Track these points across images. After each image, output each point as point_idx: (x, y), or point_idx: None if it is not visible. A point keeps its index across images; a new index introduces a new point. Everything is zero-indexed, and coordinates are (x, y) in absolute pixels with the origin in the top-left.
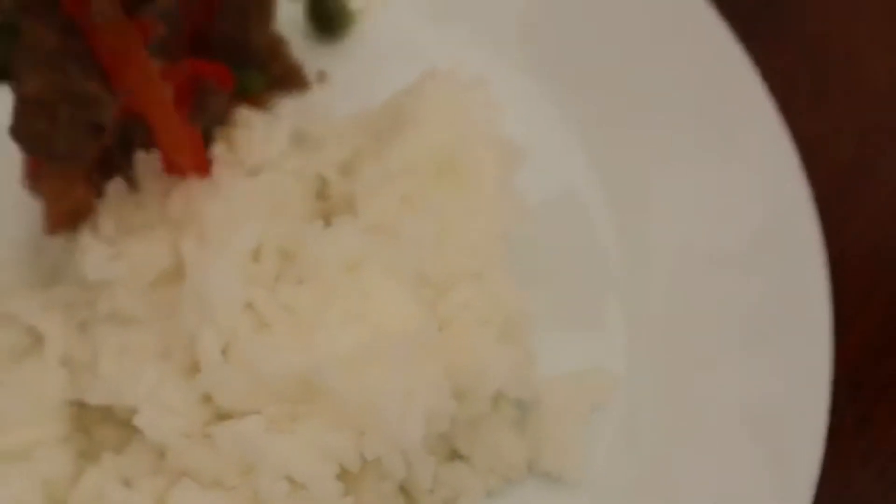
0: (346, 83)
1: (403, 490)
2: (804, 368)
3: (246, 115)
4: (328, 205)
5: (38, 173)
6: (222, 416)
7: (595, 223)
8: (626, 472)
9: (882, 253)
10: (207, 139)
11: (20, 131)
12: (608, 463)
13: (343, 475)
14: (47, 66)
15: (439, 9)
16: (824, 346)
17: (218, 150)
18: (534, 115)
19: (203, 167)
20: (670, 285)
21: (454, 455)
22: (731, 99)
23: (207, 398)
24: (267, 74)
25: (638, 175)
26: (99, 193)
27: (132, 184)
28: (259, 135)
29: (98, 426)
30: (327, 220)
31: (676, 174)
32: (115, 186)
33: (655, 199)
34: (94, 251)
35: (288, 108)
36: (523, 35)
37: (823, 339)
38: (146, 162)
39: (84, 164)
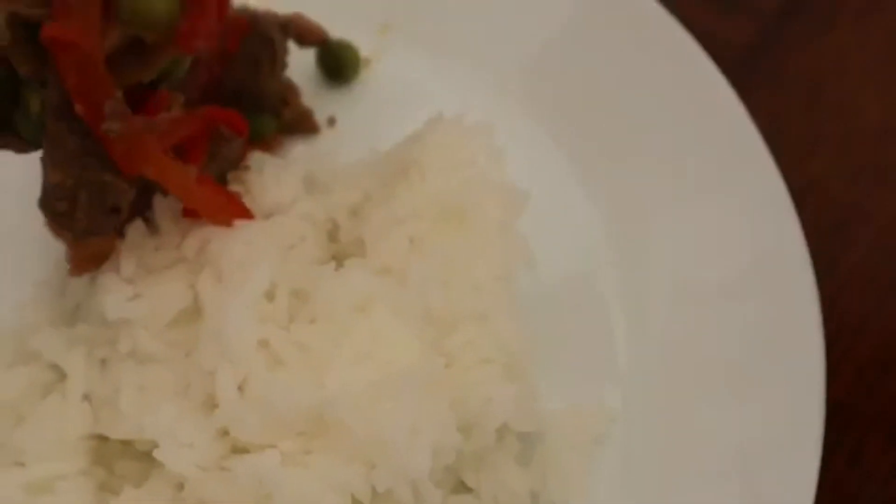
0: (354, 128)
1: None
2: (798, 405)
3: (259, 160)
4: (339, 247)
5: None
6: (238, 449)
7: (595, 262)
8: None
9: (873, 289)
10: (221, 182)
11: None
12: (609, 495)
13: None
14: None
15: (444, 55)
16: (817, 383)
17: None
18: (536, 157)
19: (224, 217)
20: (667, 322)
21: (461, 487)
22: (727, 142)
23: (224, 432)
24: (278, 120)
25: (637, 215)
26: (120, 235)
27: (151, 226)
28: (272, 179)
29: (117, 460)
30: (338, 261)
31: (674, 214)
32: (135, 228)
33: (654, 239)
34: (114, 292)
35: (299, 152)
36: (527, 80)
37: (817, 377)
38: (164, 205)
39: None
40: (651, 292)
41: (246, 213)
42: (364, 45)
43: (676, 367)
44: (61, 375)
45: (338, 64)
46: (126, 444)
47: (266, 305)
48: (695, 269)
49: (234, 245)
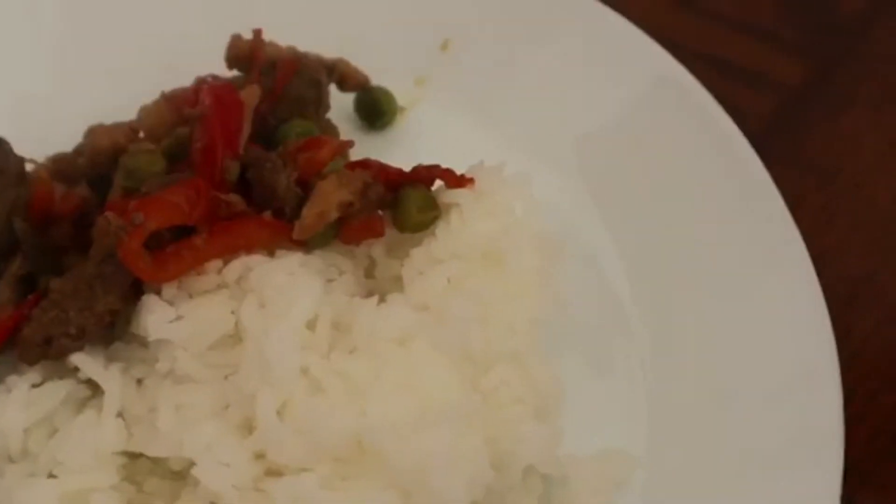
0: None
1: None
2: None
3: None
4: (375, 283)
5: None
6: (273, 473)
7: (624, 314)
8: None
9: (887, 358)
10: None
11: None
12: None
13: None
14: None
15: (477, 112)
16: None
17: None
18: (570, 214)
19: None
20: (694, 376)
21: None
22: (767, 243)
23: (261, 455)
24: None
25: (663, 270)
26: None
27: None
28: None
29: (147, 478)
30: (379, 297)
31: (704, 287)
32: None
33: (680, 298)
34: (156, 312)
35: None
36: (562, 140)
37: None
38: None
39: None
40: (678, 347)
41: (290, 238)
42: (399, 94)
43: (698, 420)
44: (96, 391)
45: (376, 109)
46: (157, 462)
47: (307, 334)
48: (715, 340)
49: (276, 274)
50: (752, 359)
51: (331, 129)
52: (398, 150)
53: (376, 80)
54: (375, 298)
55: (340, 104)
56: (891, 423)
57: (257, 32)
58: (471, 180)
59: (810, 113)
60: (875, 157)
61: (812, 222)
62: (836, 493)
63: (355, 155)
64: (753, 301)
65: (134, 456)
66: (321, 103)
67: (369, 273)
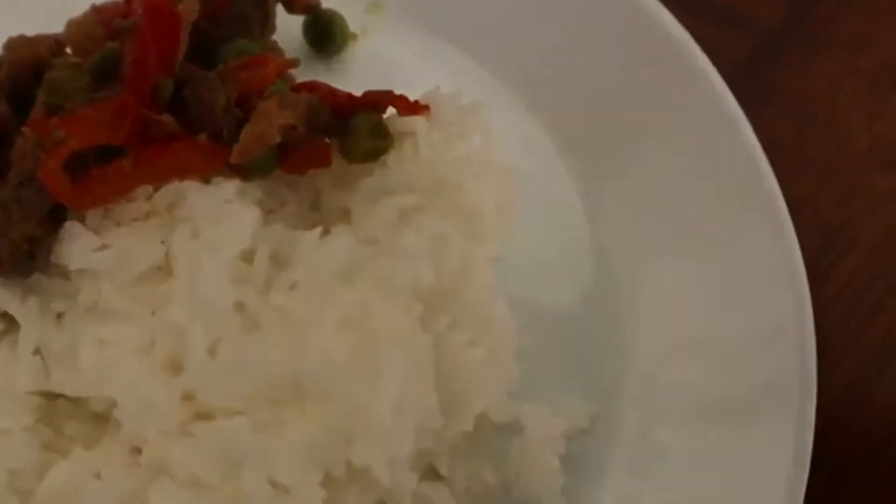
0: None
1: None
2: (783, 428)
3: None
4: (320, 216)
5: None
6: (203, 416)
7: (586, 253)
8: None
9: (860, 308)
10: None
11: None
12: (587, 493)
13: (327, 483)
14: None
15: (433, 38)
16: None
17: None
18: (530, 145)
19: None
20: (653, 327)
21: (432, 474)
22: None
23: (189, 396)
24: None
25: (628, 207)
26: None
27: None
28: None
29: (66, 420)
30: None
31: (672, 228)
32: None
33: (646, 236)
34: (79, 240)
35: None
36: (521, 70)
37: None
38: None
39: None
40: (638, 299)
41: (226, 163)
42: (352, 20)
43: (661, 370)
44: (11, 326)
45: (326, 34)
46: (76, 403)
47: (243, 267)
48: (682, 282)
49: (210, 201)
50: (722, 305)
51: (276, 53)
52: (348, 79)
53: (328, 2)
54: (319, 230)
55: (287, 27)
56: (866, 370)
57: None
58: (426, 108)
59: (787, 55)
60: (851, 101)
61: (787, 167)
62: (808, 444)
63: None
64: (725, 247)
65: (52, 396)
66: (267, 23)
67: (314, 205)
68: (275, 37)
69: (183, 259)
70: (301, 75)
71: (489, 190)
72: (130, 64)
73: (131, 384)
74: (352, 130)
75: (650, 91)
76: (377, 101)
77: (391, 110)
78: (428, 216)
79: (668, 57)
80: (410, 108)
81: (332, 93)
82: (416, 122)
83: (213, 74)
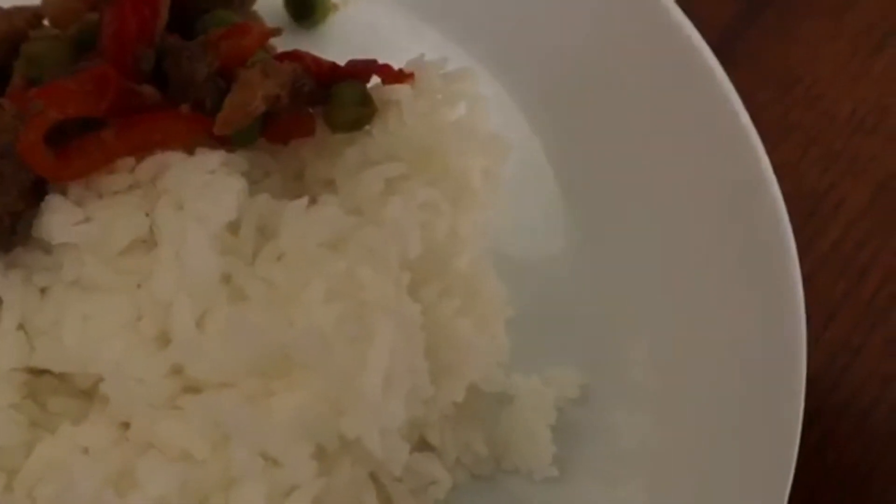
0: None
1: (372, 476)
2: (775, 390)
3: None
4: (304, 186)
5: None
6: (192, 389)
7: (574, 224)
8: (594, 469)
9: (846, 274)
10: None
11: None
12: (577, 460)
13: (318, 455)
14: None
15: (415, 7)
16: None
17: None
18: (517, 113)
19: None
20: (643, 293)
21: (423, 445)
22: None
23: (177, 370)
24: None
25: (614, 175)
26: None
27: None
28: None
29: (52, 396)
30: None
31: (658, 197)
32: None
33: (631, 205)
34: (61, 213)
35: None
36: (504, 42)
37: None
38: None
39: None
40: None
41: (210, 134)
42: None
43: (652, 334)
44: None
45: (306, 5)
46: (62, 379)
47: (229, 238)
48: (665, 244)
49: (194, 173)
50: (706, 278)
51: (257, 22)
52: (330, 49)
53: None
54: (305, 200)
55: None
56: (853, 334)
57: None
58: (410, 76)
59: (769, 22)
60: (834, 67)
61: (771, 134)
62: (798, 418)
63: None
64: (710, 218)
65: (37, 372)
66: None
67: (298, 175)
68: (255, 8)
69: (167, 231)
70: (282, 46)
71: (475, 157)
72: (110, 35)
73: (118, 359)
74: (336, 100)
75: (627, 59)
76: (361, 70)
77: (375, 79)
78: (414, 185)
79: (649, 26)
80: (394, 76)
81: (316, 62)
82: (401, 90)
83: (195, 44)
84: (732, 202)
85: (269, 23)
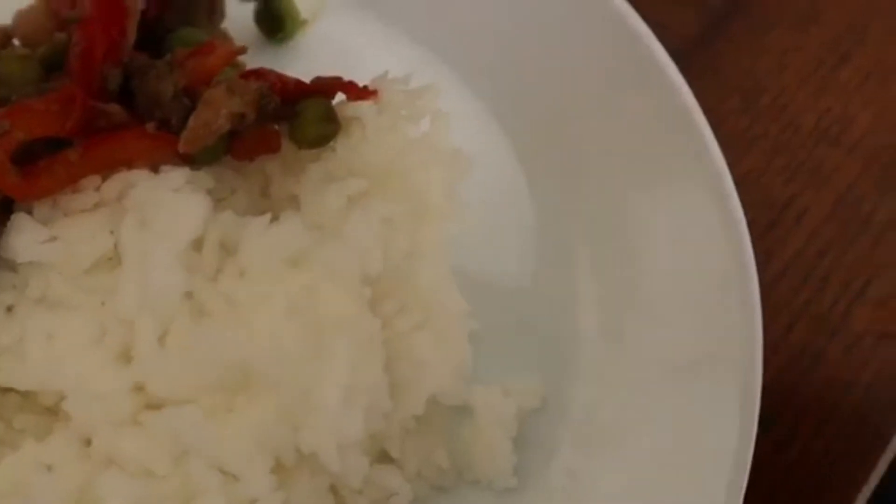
0: None
1: (332, 489)
2: (733, 394)
3: None
4: (270, 203)
5: None
6: (154, 405)
7: (534, 232)
8: (555, 481)
9: (808, 282)
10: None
11: None
12: (537, 472)
13: (277, 469)
14: None
15: (385, 22)
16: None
17: None
18: (478, 132)
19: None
20: (602, 302)
21: (384, 457)
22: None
23: (140, 387)
24: None
25: (576, 185)
26: None
27: None
28: None
29: (16, 413)
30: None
31: (621, 207)
32: None
33: (594, 214)
34: (27, 232)
35: None
36: (472, 56)
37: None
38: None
39: None
40: (585, 275)
41: (175, 152)
42: (303, 6)
43: (613, 345)
44: None
45: (276, 21)
46: (26, 396)
47: (193, 255)
48: (628, 256)
49: (159, 190)
50: (668, 278)
51: (225, 40)
52: (300, 65)
53: None
54: (267, 217)
55: (239, 15)
56: (814, 341)
57: None
58: (374, 93)
59: (734, 34)
60: (800, 78)
61: (734, 144)
62: (754, 415)
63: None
64: (671, 224)
65: (2, 390)
66: (215, 10)
67: (264, 192)
68: (226, 24)
69: (131, 249)
70: (253, 62)
71: (437, 173)
72: (77, 55)
73: (81, 376)
74: (301, 116)
75: (595, 71)
76: (325, 86)
77: (341, 96)
78: (376, 201)
79: (614, 37)
80: (358, 93)
81: (281, 79)
82: (365, 107)
83: (162, 63)
84: (695, 215)
85: (240, 39)
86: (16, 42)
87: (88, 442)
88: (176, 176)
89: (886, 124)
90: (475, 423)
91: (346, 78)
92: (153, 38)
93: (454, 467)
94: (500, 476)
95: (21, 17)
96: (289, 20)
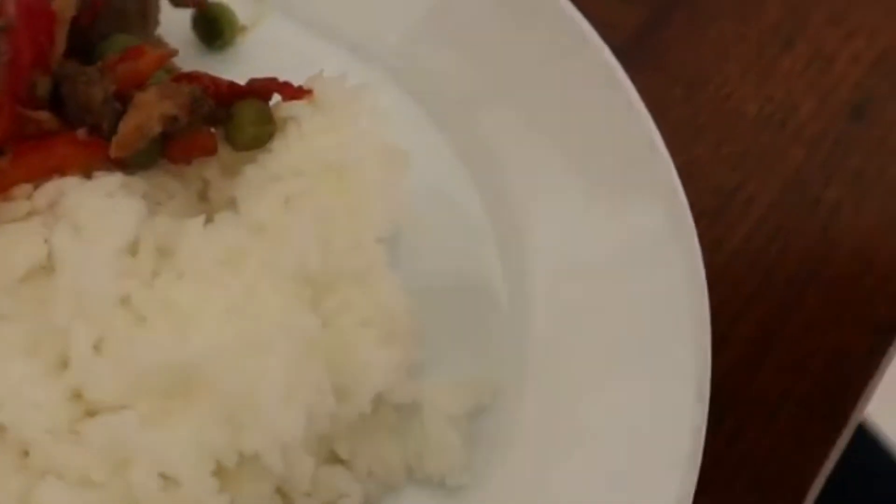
0: None
1: (280, 492)
2: (683, 385)
3: None
4: (209, 206)
5: None
6: (92, 413)
7: (475, 226)
8: (507, 478)
9: (755, 271)
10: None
11: None
12: (489, 469)
13: (219, 472)
14: None
15: (321, 25)
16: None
17: None
18: (414, 131)
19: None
20: (551, 296)
21: (333, 458)
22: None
23: (77, 395)
24: None
25: (517, 179)
26: None
27: None
28: None
29: None
30: (209, 217)
31: (554, 193)
32: None
33: (534, 210)
34: None
35: None
36: (407, 53)
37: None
38: None
39: None
40: (533, 262)
41: (108, 157)
42: (241, 12)
43: (562, 342)
44: None
45: (214, 28)
46: None
47: (128, 260)
48: (578, 243)
49: (92, 197)
50: (616, 268)
51: (160, 46)
52: (240, 70)
53: None
54: (202, 218)
55: (177, 22)
56: (764, 330)
57: None
58: (309, 92)
59: (676, 25)
60: (742, 67)
61: (679, 134)
62: (705, 401)
63: None
64: (617, 214)
65: None
66: (148, 17)
67: (202, 196)
68: (164, 32)
69: (64, 256)
70: (192, 68)
71: (375, 170)
72: (5, 64)
73: (15, 386)
74: (236, 118)
75: (536, 63)
76: (260, 88)
77: (277, 97)
78: (314, 199)
79: (553, 27)
80: (293, 93)
81: (214, 82)
82: (300, 106)
83: (92, 69)
84: (638, 202)
85: (178, 46)
86: None
87: (26, 452)
88: (109, 181)
89: (830, 109)
90: (425, 421)
91: (288, 79)
92: (85, 46)
93: (405, 466)
94: (451, 473)
95: None
96: (227, 26)
